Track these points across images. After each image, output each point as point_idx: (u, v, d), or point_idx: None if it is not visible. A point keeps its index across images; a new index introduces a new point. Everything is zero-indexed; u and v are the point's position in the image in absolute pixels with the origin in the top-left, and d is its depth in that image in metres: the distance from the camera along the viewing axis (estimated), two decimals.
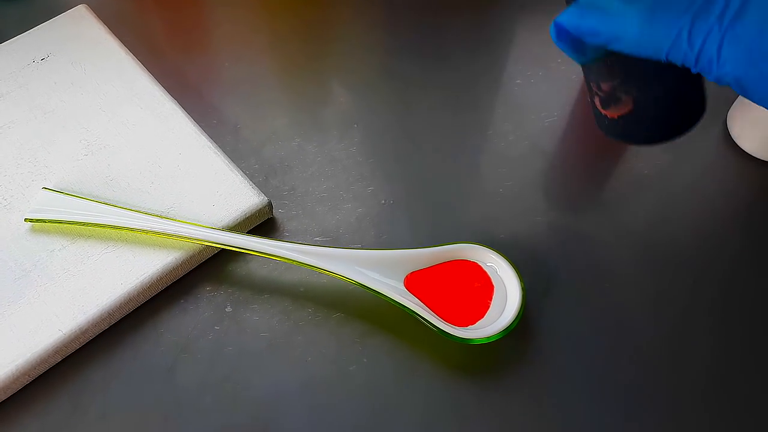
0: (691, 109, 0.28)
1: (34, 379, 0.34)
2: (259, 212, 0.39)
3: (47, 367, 0.34)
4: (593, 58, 0.26)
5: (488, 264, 0.36)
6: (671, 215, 0.41)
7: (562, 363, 0.36)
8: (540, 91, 0.47)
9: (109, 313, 0.35)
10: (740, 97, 0.44)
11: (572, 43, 0.25)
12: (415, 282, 0.36)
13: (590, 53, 0.26)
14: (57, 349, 0.34)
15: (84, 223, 0.37)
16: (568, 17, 0.25)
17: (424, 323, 0.34)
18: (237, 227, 0.38)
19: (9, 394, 0.34)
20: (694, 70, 0.23)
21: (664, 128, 0.29)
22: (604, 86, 0.28)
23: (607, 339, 0.36)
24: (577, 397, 0.35)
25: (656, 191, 0.42)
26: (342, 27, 0.51)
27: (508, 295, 0.35)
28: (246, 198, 0.39)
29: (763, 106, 0.23)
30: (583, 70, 0.29)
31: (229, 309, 0.37)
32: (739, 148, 0.43)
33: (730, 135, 0.44)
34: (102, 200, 0.38)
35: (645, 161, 0.43)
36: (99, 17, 0.47)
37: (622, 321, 0.37)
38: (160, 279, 0.36)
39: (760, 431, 0.34)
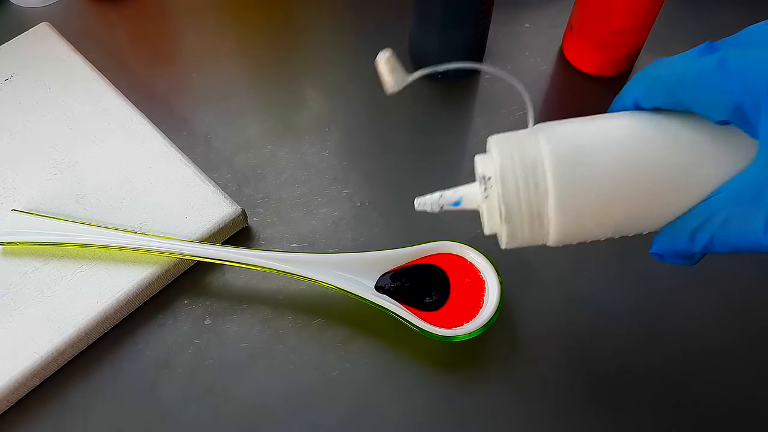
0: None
1: (14, 404, 0.34)
2: (233, 222, 0.39)
3: (26, 390, 0.34)
4: None
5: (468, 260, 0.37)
6: None
7: (544, 353, 0.36)
8: (510, 85, 0.46)
9: (86, 333, 0.35)
10: None
11: None
12: None
13: None
14: (35, 373, 0.34)
15: (56, 244, 0.36)
16: None
17: (404, 323, 0.34)
18: (211, 238, 0.38)
19: None
20: None
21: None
22: None
23: (586, 327, 0.37)
24: (562, 387, 0.35)
25: None
26: (310, 30, 0.51)
27: (488, 289, 0.35)
28: (219, 208, 0.38)
29: None
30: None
31: (208, 321, 0.37)
32: None
33: None
34: (73, 219, 0.38)
35: None
36: (62, 34, 0.47)
37: (602, 308, 0.37)
38: (136, 295, 0.36)
39: (744, 407, 0.34)
